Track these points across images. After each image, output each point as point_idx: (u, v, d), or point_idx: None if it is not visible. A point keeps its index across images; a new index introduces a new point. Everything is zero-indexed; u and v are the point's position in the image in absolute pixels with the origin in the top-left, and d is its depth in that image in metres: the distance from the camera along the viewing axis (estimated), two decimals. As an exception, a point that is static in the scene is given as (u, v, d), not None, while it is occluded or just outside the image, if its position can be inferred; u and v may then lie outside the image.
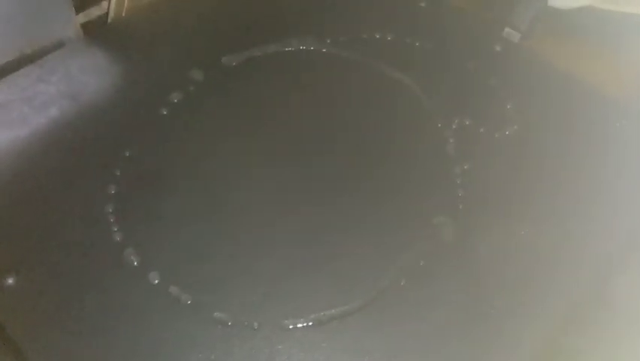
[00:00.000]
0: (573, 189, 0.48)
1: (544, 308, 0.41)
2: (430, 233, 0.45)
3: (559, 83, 0.56)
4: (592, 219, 0.46)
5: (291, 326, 0.40)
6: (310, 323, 0.40)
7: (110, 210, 0.45)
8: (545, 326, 0.41)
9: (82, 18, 0.59)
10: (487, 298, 0.42)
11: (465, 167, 0.49)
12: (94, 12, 0.60)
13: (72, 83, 0.53)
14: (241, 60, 0.56)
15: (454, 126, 0.52)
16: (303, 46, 0.58)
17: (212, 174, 0.48)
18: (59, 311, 0.40)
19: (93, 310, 0.40)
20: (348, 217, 0.46)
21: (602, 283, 0.43)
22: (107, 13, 0.60)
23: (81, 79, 0.53)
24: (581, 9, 0.59)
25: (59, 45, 0.56)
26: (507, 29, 0.60)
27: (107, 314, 0.40)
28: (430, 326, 0.40)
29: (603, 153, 0.51)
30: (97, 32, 0.59)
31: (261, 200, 0.47)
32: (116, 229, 0.44)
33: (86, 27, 0.59)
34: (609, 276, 0.43)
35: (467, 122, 0.52)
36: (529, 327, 0.41)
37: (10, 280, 0.40)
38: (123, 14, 0.59)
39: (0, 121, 0.49)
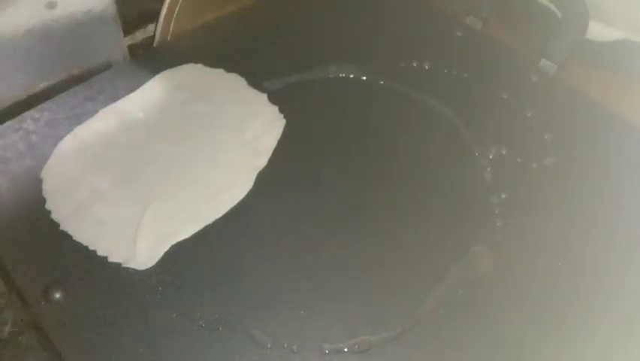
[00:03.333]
0: (611, 224, 0.48)
1: (577, 348, 0.41)
2: (468, 263, 0.45)
3: (595, 114, 0.56)
4: (630, 257, 0.46)
5: (328, 351, 0.40)
6: (348, 349, 0.40)
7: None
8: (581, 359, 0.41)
9: (129, 40, 0.62)
10: (520, 333, 0.42)
11: (503, 196, 0.49)
12: (140, 35, 0.63)
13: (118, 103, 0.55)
14: (280, 86, 0.58)
15: (491, 156, 0.52)
16: (342, 73, 0.59)
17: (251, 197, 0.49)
18: (104, 327, 0.40)
19: (135, 328, 0.41)
20: (387, 244, 0.46)
21: (636, 326, 0.43)
22: (153, 37, 0.62)
23: (128, 99, 0.55)
24: (617, 42, 0.60)
25: (107, 66, 0.58)
26: (543, 61, 0.61)
27: (148, 333, 0.40)
28: (467, 355, 0.41)
29: (637, 184, 0.51)
30: (143, 55, 0.61)
31: (301, 224, 0.47)
32: (159, 248, 0.45)
33: (132, 49, 0.61)
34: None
35: (504, 152, 0.53)
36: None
37: (58, 295, 0.41)
38: (168, 38, 0.62)
39: (49, 137, 0.51)
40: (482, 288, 0.44)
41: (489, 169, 0.51)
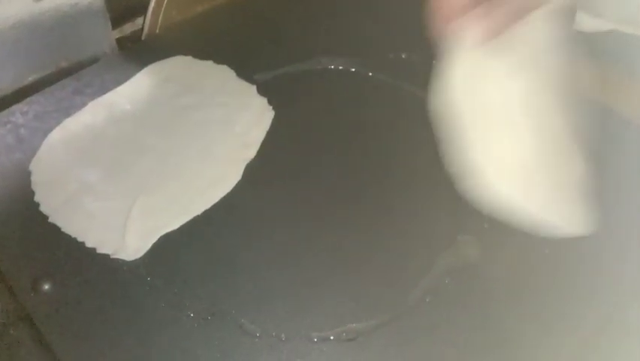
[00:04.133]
0: (597, 212, 0.49)
1: (564, 333, 0.42)
2: (455, 251, 0.45)
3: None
4: (615, 243, 0.47)
5: (317, 339, 0.41)
6: (336, 337, 0.41)
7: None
8: (568, 347, 0.41)
9: (117, 34, 0.62)
10: (510, 317, 0.42)
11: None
12: (129, 28, 0.63)
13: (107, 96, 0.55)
14: (269, 77, 0.58)
15: (479, 146, 0.53)
16: (331, 65, 0.59)
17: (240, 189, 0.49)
18: (93, 318, 0.41)
19: (124, 319, 0.41)
20: (374, 234, 0.46)
21: (623, 308, 0.43)
22: (141, 30, 0.62)
23: (116, 92, 0.55)
24: (606, 33, 0.60)
25: (95, 59, 0.58)
26: (532, 52, 0.61)
27: (137, 323, 0.41)
28: (454, 344, 0.41)
29: (627, 177, 0.51)
30: (131, 48, 0.61)
31: (289, 215, 0.47)
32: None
33: (120, 42, 0.61)
34: (631, 301, 0.43)
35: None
36: (552, 347, 0.41)
37: (47, 286, 0.42)
38: (157, 31, 0.62)
39: (38, 130, 0.51)
40: (469, 276, 0.44)
41: (477, 159, 0.52)
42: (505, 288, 0.44)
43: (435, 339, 0.41)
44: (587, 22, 0.61)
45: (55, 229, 0.45)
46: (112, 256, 0.43)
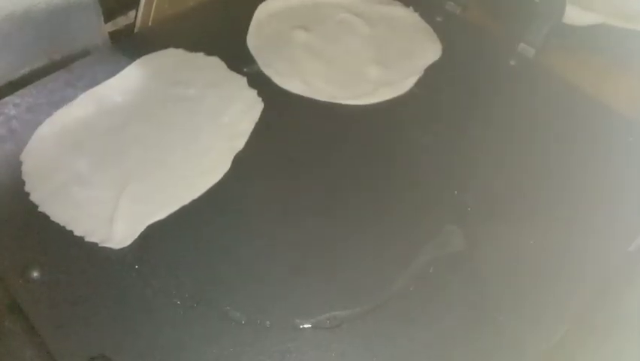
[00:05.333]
0: (580, 201, 0.49)
1: (547, 317, 0.42)
2: (440, 241, 0.46)
3: (571, 96, 0.57)
4: (597, 231, 0.47)
5: (302, 326, 0.41)
6: (321, 324, 0.41)
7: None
8: (548, 334, 0.41)
9: (110, 27, 0.62)
10: (492, 306, 0.43)
11: (475, 177, 0.50)
12: (121, 21, 0.63)
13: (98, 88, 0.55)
14: (260, 70, 0.58)
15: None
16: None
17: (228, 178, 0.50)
18: (80, 305, 0.41)
19: (111, 306, 0.41)
20: (360, 224, 0.47)
21: (604, 293, 0.43)
22: (133, 23, 0.62)
23: (107, 84, 0.55)
24: (594, 26, 0.60)
25: (87, 52, 0.59)
26: (522, 45, 0.62)
27: (124, 310, 0.41)
28: (437, 331, 0.41)
29: (612, 165, 0.52)
30: (124, 41, 0.61)
31: (276, 204, 0.48)
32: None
33: (113, 35, 0.62)
34: (612, 286, 0.44)
35: (477, 133, 0.53)
36: (533, 335, 0.41)
37: (35, 274, 0.42)
38: (149, 24, 0.62)
39: (30, 121, 0.52)
40: (453, 266, 0.44)
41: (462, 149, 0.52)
42: (488, 277, 0.44)
43: (418, 326, 0.41)
44: (577, 16, 0.61)
45: (45, 218, 0.45)
46: (100, 245, 0.44)
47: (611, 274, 0.44)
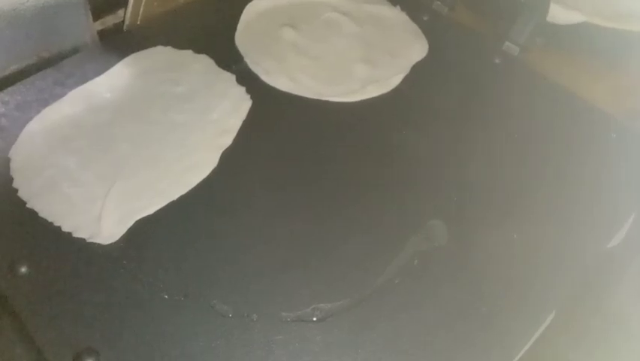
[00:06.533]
0: (565, 197, 0.50)
1: (530, 309, 0.43)
2: (425, 235, 0.47)
3: (554, 94, 0.58)
4: (579, 225, 0.48)
5: (288, 319, 0.42)
6: (307, 317, 0.42)
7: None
8: (531, 326, 0.42)
9: (98, 25, 0.62)
10: (475, 298, 0.43)
11: (460, 172, 0.51)
12: (110, 20, 0.63)
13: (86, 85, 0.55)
14: (248, 67, 0.59)
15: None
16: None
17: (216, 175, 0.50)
18: (68, 300, 0.41)
19: (99, 301, 0.42)
20: (346, 218, 0.48)
21: (588, 288, 0.44)
22: (122, 21, 0.62)
23: (96, 82, 0.56)
24: (578, 25, 0.61)
25: (76, 50, 0.59)
26: (507, 43, 0.63)
27: (113, 304, 0.42)
28: (421, 322, 0.42)
29: (596, 162, 0.53)
30: (113, 39, 0.61)
31: (263, 200, 0.48)
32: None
33: (102, 34, 0.62)
34: (595, 281, 0.45)
35: (462, 130, 0.54)
36: (516, 327, 0.42)
37: (24, 269, 0.42)
38: (138, 22, 0.62)
39: (19, 119, 0.52)
40: (437, 259, 0.45)
41: (448, 145, 0.53)
42: (472, 270, 0.45)
43: (403, 319, 0.42)
44: (560, 14, 0.62)
45: (33, 214, 0.45)
46: (88, 240, 0.44)
47: (592, 268, 0.45)
